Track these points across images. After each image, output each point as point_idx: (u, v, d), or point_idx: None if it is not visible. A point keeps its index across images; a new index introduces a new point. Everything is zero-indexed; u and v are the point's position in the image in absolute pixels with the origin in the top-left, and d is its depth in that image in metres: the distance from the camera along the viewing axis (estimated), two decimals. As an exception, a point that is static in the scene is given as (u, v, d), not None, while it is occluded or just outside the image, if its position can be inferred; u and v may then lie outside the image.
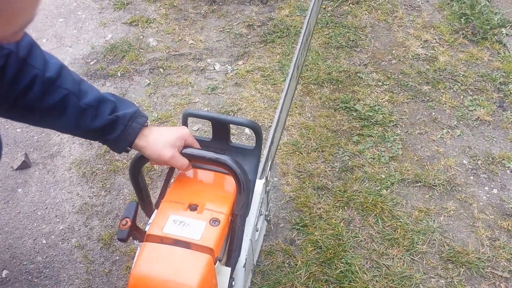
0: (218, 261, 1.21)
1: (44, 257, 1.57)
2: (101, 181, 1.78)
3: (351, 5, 2.66)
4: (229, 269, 1.24)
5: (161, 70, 2.26)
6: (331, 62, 2.29)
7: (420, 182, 1.76)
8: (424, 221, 1.63)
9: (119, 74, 2.24)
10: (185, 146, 1.26)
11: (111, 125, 1.15)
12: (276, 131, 1.58)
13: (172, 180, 1.34)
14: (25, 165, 1.85)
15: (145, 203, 1.36)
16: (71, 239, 1.62)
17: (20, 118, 1.17)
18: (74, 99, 1.09)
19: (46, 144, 1.94)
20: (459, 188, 1.74)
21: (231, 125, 1.37)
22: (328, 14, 2.60)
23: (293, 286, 1.44)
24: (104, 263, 1.55)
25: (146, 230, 1.20)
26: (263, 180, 1.44)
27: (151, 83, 2.20)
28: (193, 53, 2.35)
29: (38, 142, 1.95)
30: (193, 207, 1.24)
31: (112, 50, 2.37)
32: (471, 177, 1.79)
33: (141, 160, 1.29)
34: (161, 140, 1.22)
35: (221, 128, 1.36)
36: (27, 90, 1.05)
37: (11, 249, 1.59)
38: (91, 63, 2.32)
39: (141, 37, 2.47)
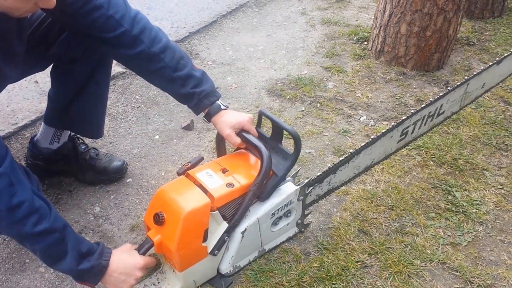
0: (217, 210, 1.61)
1: (156, 182, 2.20)
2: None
3: (534, 118, 2.59)
4: (226, 224, 1.62)
5: (318, 104, 2.70)
6: (467, 152, 2.33)
7: (459, 273, 1.73)
8: (432, 301, 1.64)
9: (288, 97, 2.77)
10: (242, 130, 1.72)
11: (190, 96, 1.70)
12: (341, 166, 1.85)
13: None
14: (188, 128, 2.55)
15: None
16: (177, 180, 2.21)
17: (137, 73, 1.81)
18: (169, 70, 1.65)
19: (210, 121, 2.61)
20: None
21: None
22: (501, 117, 2.59)
23: (281, 278, 1.69)
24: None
25: None
26: (297, 188, 1.76)
27: (305, 110, 2.66)
28: (353, 102, 2.72)
29: (206, 118, 2.64)
30: (224, 170, 1.68)
31: (297, 81, 2.92)
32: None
33: (219, 133, 1.81)
34: (225, 121, 1.73)
35: (277, 131, 1.76)
36: (135, 57, 1.64)
37: (141, 169, 2.28)
38: (277, 84, 2.92)
39: (325, 79, 2.96)
